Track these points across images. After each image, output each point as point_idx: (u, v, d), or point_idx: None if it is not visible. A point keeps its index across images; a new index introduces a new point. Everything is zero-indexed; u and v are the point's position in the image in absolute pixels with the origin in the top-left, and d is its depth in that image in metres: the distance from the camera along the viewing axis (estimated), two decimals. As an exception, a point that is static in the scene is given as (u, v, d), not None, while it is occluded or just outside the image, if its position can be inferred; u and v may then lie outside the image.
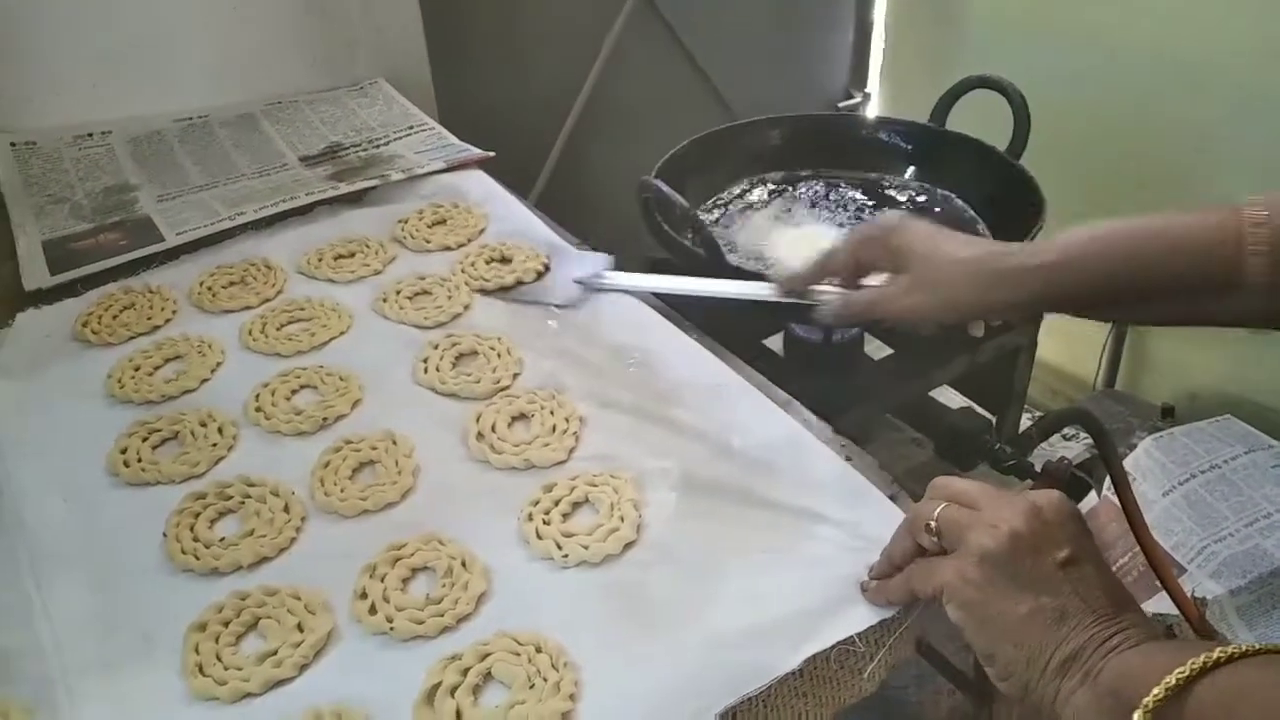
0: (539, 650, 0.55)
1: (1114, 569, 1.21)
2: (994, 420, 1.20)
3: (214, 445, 0.72)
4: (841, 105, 1.99)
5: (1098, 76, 1.55)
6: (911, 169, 1.16)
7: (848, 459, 0.69)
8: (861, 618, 0.57)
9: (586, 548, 0.62)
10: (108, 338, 0.84)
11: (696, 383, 0.77)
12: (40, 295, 0.90)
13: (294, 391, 0.78)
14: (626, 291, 0.88)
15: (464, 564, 0.61)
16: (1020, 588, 0.50)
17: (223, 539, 0.64)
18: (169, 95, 1.21)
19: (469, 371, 0.79)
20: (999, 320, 0.84)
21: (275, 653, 0.56)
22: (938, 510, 0.54)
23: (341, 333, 0.85)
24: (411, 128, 1.20)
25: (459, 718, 0.52)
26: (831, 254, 0.75)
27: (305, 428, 0.74)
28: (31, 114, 1.15)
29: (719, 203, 1.16)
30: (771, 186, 1.18)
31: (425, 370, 0.79)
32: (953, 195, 1.14)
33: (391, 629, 0.58)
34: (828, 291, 0.76)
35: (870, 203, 1.14)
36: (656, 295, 0.87)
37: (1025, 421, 1.24)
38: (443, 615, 0.58)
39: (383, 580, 0.60)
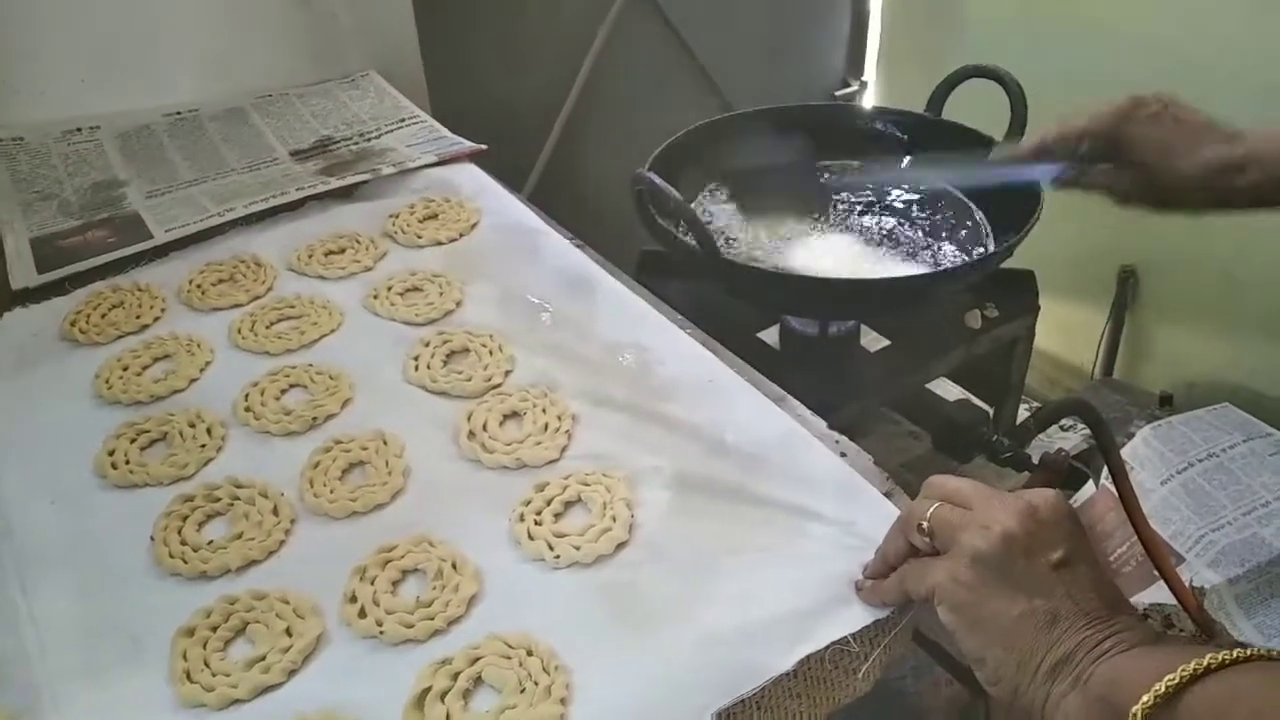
0: (530, 653, 0.55)
1: (1112, 559, 1.21)
2: (991, 412, 1.19)
3: (203, 446, 0.71)
4: (838, 94, 1.98)
5: (1094, 66, 1.53)
6: (908, 159, 1.15)
7: (843, 455, 0.68)
8: (856, 617, 0.56)
9: (578, 548, 0.61)
10: (96, 337, 0.84)
11: (690, 379, 0.76)
12: (28, 294, 0.89)
13: (283, 391, 0.77)
14: None
15: (455, 566, 0.61)
16: (1012, 589, 0.49)
17: (211, 542, 0.64)
18: (158, 89, 1.20)
19: (460, 369, 0.79)
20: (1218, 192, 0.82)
21: (264, 658, 0.56)
22: (930, 510, 0.53)
23: (332, 330, 0.84)
24: (403, 120, 1.19)
25: (449, 723, 0.52)
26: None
27: (295, 428, 0.73)
28: (19, 109, 1.14)
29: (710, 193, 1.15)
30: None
31: (416, 368, 0.79)
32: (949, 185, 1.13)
33: (381, 632, 0.57)
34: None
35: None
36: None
37: (1023, 412, 1.23)
38: (433, 618, 0.57)
39: (373, 583, 0.60)
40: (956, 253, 1.02)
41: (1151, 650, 0.47)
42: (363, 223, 0.99)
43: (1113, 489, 0.82)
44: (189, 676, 0.55)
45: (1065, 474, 0.85)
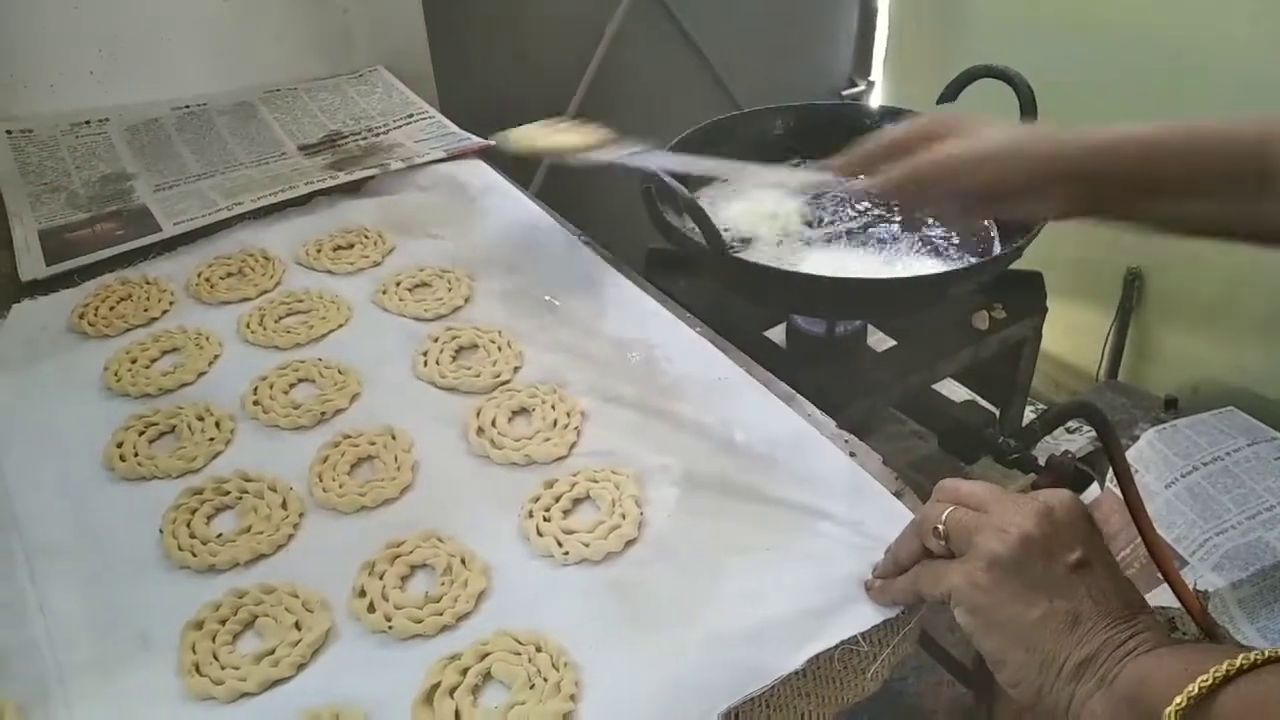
0: (539, 649, 0.55)
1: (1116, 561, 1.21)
2: (997, 413, 1.19)
3: (211, 440, 0.71)
4: (845, 93, 1.98)
5: (1103, 65, 1.53)
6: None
7: (851, 455, 0.68)
8: (865, 617, 0.56)
9: (587, 545, 0.61)
10: (104, 329, 0.84)
11: (699, 376, 0.76)
12: (36, 286, 0.89)
13: (292, 385, 0.77)
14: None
15: (463, 562, 0.61)
16: (1031, 591, 0.49)
17: (220, 535, 0.64)
18: (167, 82, 1.20)
19: (469, 365, 0.79)
20: (1027, 210, 0.77)
21: (273, 652, 0.56)
22: (945, 513, 0.53)
23: (340, 325, 0.84)
24: (411, 116, 1.19)
25: (458, 718, 0.52)
26: (884, 132, 0.73)
27: (303, 422, 0.73)
28: (28, 101, 1.14)
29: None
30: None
31: (425, 364, 0.79)
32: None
33: (390, 628, 0.57)
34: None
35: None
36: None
37: (1029, 414, 1.23)
38: (442, 614, 0.57)
39: (381, 578, 0.60)
40: (965, 253, 1.02)
41: (1177, 650, 0.47)
42: (370, 217, 0.99)
43: (1117, 492, 0.82)
44: (198, 669, 0.55)
45: (1071, 476, 0.85)
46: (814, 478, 0.66)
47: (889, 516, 0.62)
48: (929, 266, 0.99)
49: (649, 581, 0.60)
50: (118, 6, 1.14)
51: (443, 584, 0.59)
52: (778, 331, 1.08)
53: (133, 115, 1.17)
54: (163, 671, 0.56)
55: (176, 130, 1.15)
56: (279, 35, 1.24)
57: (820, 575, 0.59)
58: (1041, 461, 0.87)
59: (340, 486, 0.67)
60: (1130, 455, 1.38)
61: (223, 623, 0.58)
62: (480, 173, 1.07)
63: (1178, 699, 0.43)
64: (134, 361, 0.80)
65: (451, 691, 0.53)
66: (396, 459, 0.69)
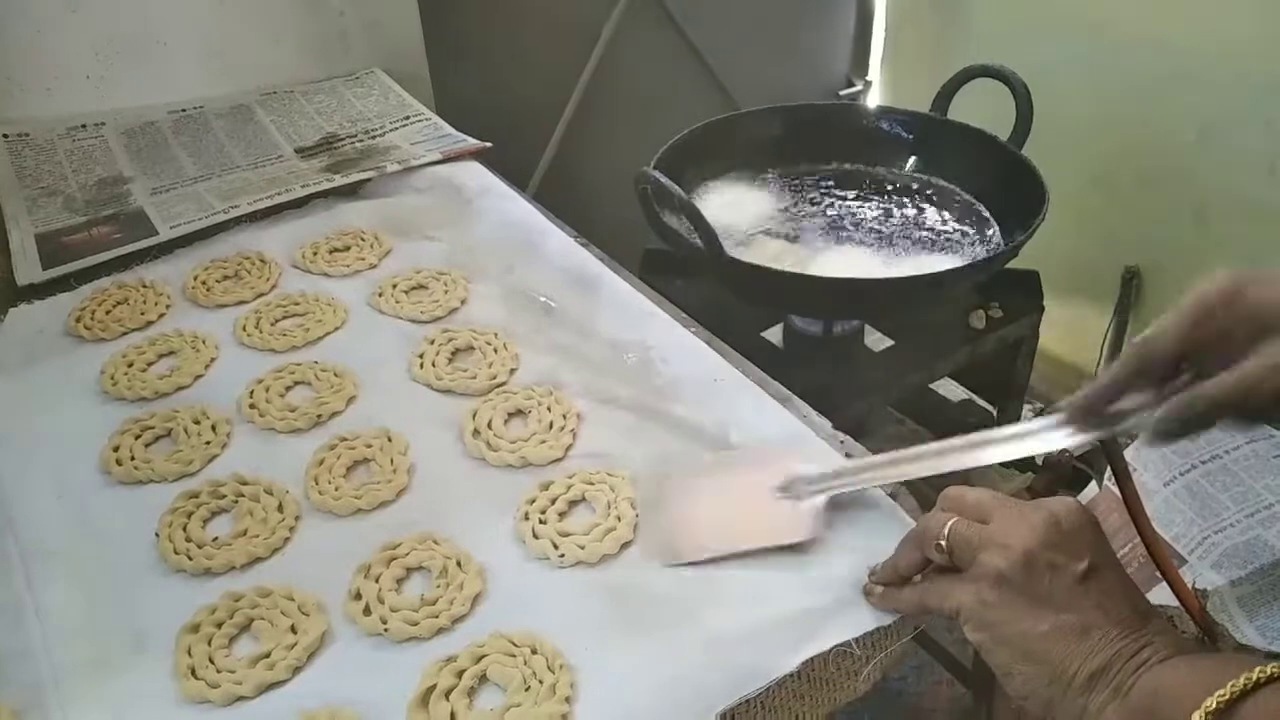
0: (535, 652, 0.55)
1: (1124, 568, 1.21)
2: (995, 412, 1.19)
3: (207, 443, 0.71)
4: (842, 93, 1.98)
5: (1099, 65, 1.54)
6: (913, 159, 1.15)
7: (847, 455, 0.68)
8: (860, 621, 0.56)
9: (583, 547, 0.61)
10: (101, 333, 0.84)
11: (695, 378, 0.76)
12: (33, 290, 0.89)
13: (288, 388, 0.77)
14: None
15: (459, 564, 0.61)
16: (1039, 605, 0.49)
17: (216, 539, 0.64)
18: (163, 85, 1.20)
19: (465, 367, 0.79)
20: None
21: (268, 655, 0.56)
22: (948, 526, 0.52)
23: (336, 328, 0.84)
24: (408, 118, 1.19)
25: (454, 721, 0.52)
26: (1147, 342, 0.53)
27: (300, 425, 0.73)
28: (25, 105, 1.14)
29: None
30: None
31: (421, 366, 0.79)
32: (955, 186, 1.13)
33: (386, 630, 0.57)
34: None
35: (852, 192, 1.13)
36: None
37: (1027, 413, 1.23)
38: (438, 616, 0.57)
39: (377, 581, 0.60)
40: (961, 253, 1.02)
41: (1193, 660, 0.46)
42: (367, 220, 0.99)
43: (1115, 490, 0.82)
44: (194, 673, 0.55)
45: (1069, 475, 0.85)
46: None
47: (884, 519, 0.62)
48: (926, 266, 0.99)
49: (644, 584, 0.60)
50: (114, 10, 1.14)
51: (438, 586, 0.59)
52: (775, 332, 1.09)
53: (129, 119, 1.17)
54: (158, 675, 0.56)
55: (173, 133, 1.15)
56: (275, 38, 1.24)
57: (814, 578, 0.59)
58: (1039, 460, 0.87)
59: (336, 489, 0.67)
60: (1128, 453, 1.38)
61: (218, 626, 0.58)
62: (476, 175, 1.07)
63: (1196, 714, 0.43)
64: (130, 365, 0.80)
65: (447, 694, 0.53)
66: (393, 461, 0.69)
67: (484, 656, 0.55)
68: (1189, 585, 0.76)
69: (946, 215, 1.08)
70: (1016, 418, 1.21)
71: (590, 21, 1.57)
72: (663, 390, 0.75)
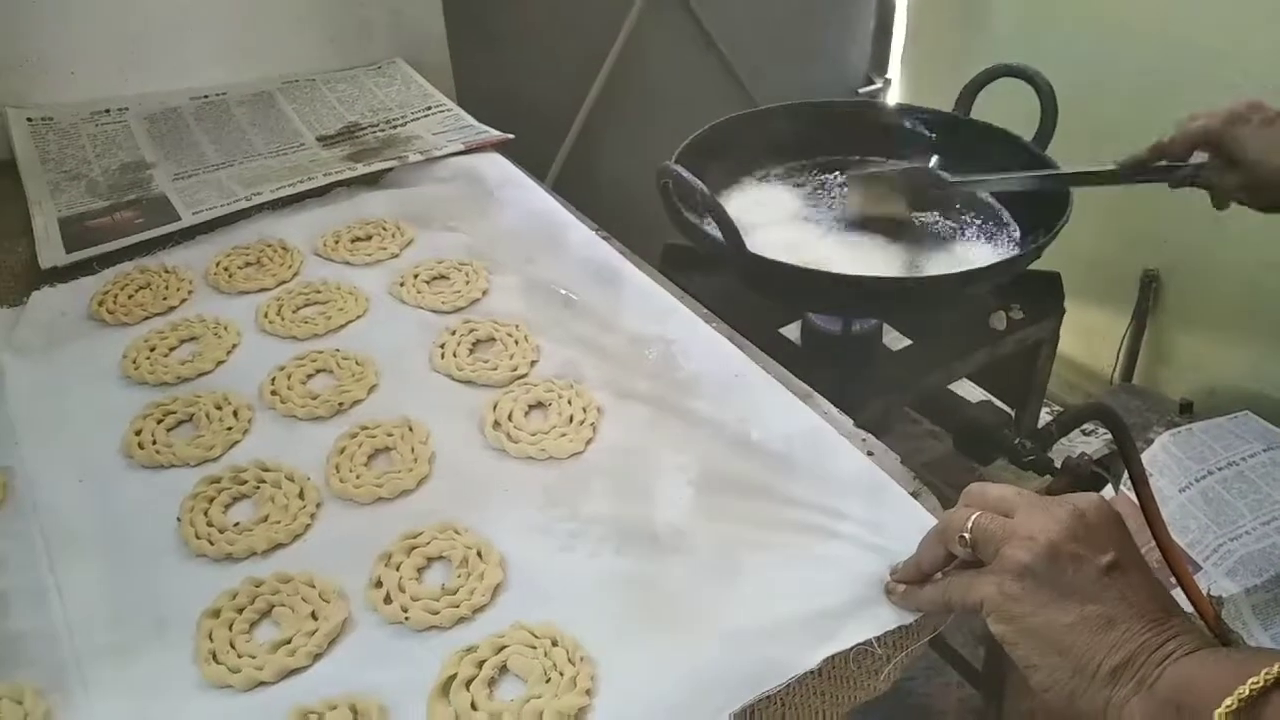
0: (555, 644, 0.55)
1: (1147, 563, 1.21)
2: (1013, 414, 1.18)
3: (229, 429, 0.72)
4: (861, 90, 1.97)
5: (1123, 65, 1.53)
6: (935, 158, 1.15)
7: (869, 454, 0.68)
8: (882, 620, 0.56)
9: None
10: (123, 317, 0.84)
11: (716, 374, 0.76)
12: (56, 273, 0.89)
13: (310, 375, 0.77)
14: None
15: (480, 554, 0.61)
16: (1063, 597, 0.49)
17: (237, 524, 0.64)
18: (186, 72, 1.20)
19: (486, 358, 0.79)
20: None
21: (289, 641, 0.56)
22: (971, 519, 0.52)
23: (358, 316, 0.84)
24: (429, 109, 1.19)
25: (474, 710, 0.52)
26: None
27: (321, 412, 0.73)
28: (48, 89, 1.14)
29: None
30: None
31: (442, 356, 0.79)
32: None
33: (406, 619, 0.57)
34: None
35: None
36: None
37: (1045, 415, 1.23)
38: (458, 606, 0.57)
39: (398, 569, 0.60)
40: (983, 253, 1.01)
41: (1219, 654, 0.46)
42: (388, 209, 0.99)
43: (1132, 495, 0.82)
44: (214, 658, 0.55)
45: (1087, 479, 0.85)
46: (831, 477, 0.66)
47: (906, 517, 0.61)
48: (947, 266, 0.99)
49: (665, 577, 0.60)
50: (139, -4, 1.14)
51: (459, 576, 0.60)
52: (793, 329, 1.08)
53: (152, 104, 1.17)
54: (180, 659, 0.56)
55: (195, 120, 1.15)
56: (297, 26, 1.24)
57: (837, 575, 0.59)
58: (1057, 464, 0.87)
59: (357, 477, 0.67)
60: (1144, 459, 1.38)
61: (239, 611, 0.58)
62: (498, 166, 1.07)
63: (1227, 700, 0.43)
64: (152, 350, 0.80)
65: (467, 684, 0.53)
66: (414, 450, 0.69)
67: (504, 647, 0.55)
68: (1204, 592, 0.76)
69: (968, 215, 1.07)
70: (1035, 420, 1.21)
71: (612, 15, 1.57)
72: (684, 385, 0.75)
